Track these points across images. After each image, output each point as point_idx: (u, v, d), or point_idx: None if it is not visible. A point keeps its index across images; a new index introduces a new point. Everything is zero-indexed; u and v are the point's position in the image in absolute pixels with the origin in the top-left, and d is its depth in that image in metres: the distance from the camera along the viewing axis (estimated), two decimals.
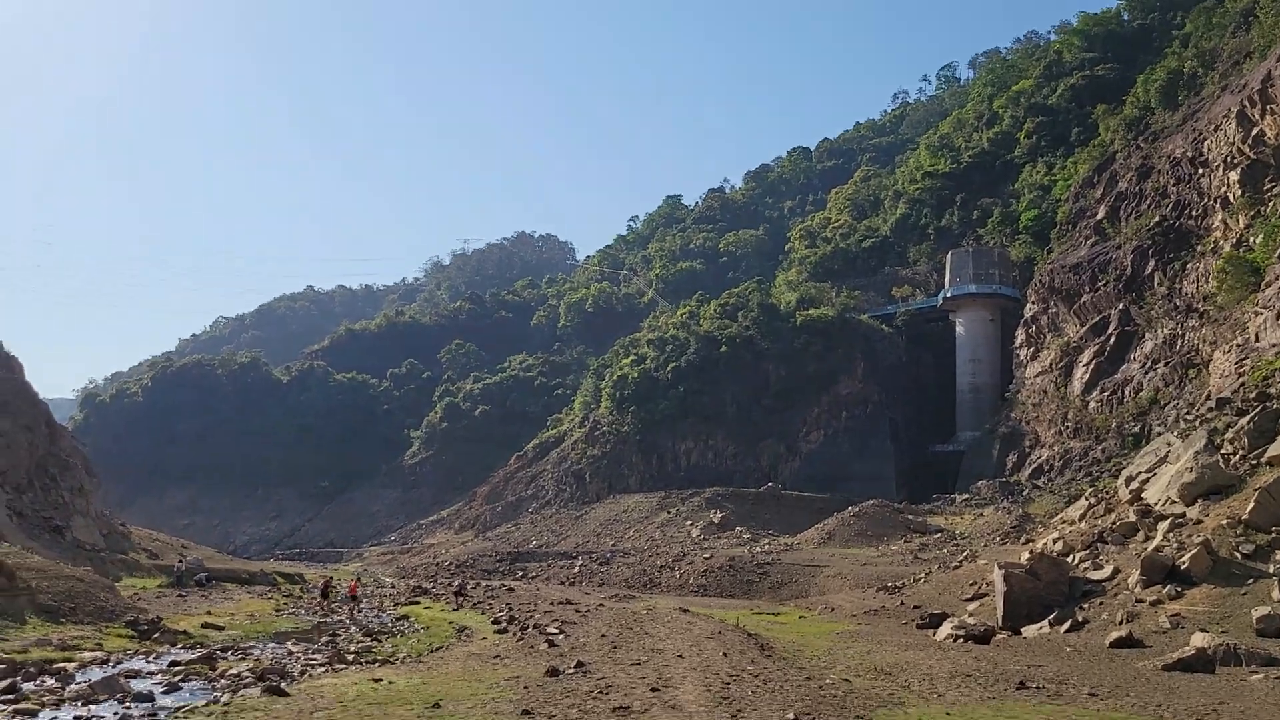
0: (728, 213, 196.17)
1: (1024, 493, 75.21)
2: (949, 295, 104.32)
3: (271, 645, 29.33)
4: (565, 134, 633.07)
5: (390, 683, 18.17)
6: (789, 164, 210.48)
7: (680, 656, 21.53)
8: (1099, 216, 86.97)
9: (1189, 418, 38.78)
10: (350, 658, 25.06)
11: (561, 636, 27.33)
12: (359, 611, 42.47)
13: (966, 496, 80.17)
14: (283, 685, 18.27)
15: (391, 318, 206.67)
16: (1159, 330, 74.01)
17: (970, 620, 28.82)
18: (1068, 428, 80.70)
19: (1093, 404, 78.45)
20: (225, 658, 24.86)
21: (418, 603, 47.27)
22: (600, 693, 16.56)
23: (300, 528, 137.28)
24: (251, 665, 22.95)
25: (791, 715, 14.32)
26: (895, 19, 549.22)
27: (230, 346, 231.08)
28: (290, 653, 26.92)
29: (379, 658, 25.16)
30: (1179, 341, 71.42)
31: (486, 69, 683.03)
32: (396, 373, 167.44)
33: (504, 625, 33.08)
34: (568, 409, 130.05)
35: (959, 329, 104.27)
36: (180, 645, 27.59)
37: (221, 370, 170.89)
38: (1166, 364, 71.74)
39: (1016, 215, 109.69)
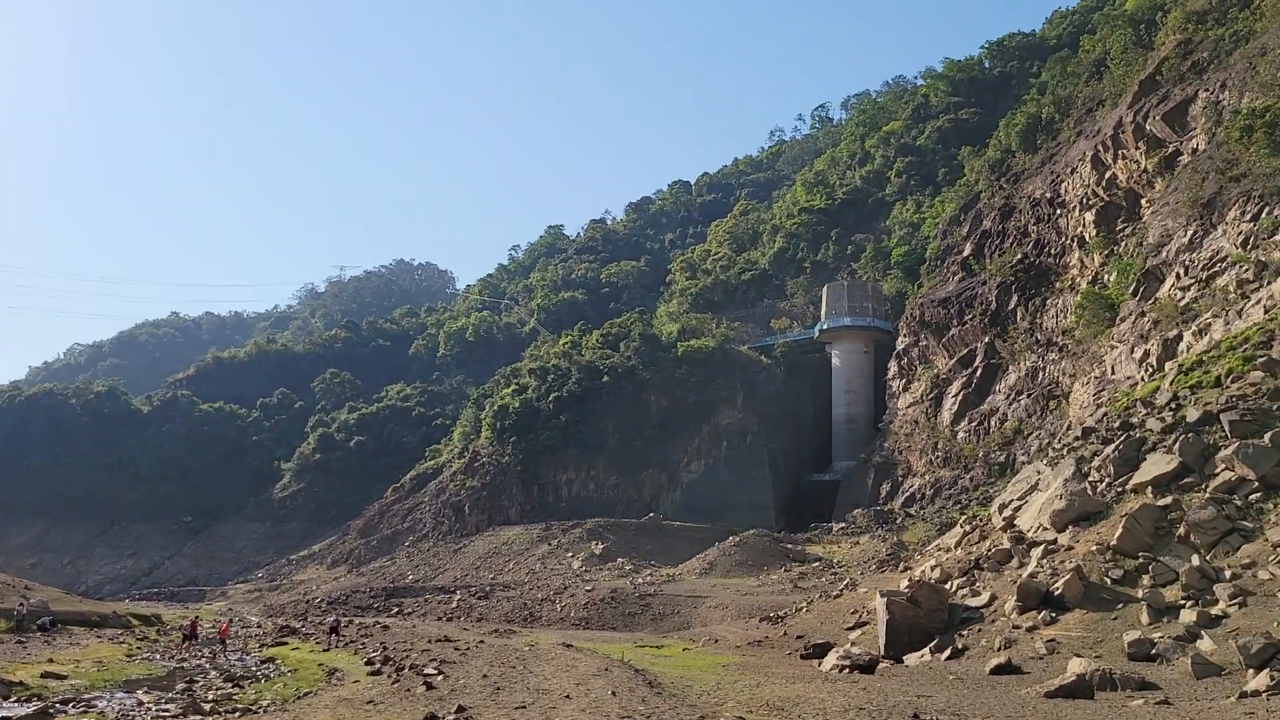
0: (609, 243, 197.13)
1: (897, 521, 77.09)
2: (825, 327, 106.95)
3: (120, 695, 27.15)
4: (445, 162, 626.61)
5: None
6: (670, 197, 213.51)
7: (567, 697, 20.73)
8: (965, 253, 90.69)
9: (1056, 447, 40.20)
10: (207, 707, 23.30)
11: (440, 678, 26.12)
12: (221, 654, 39.98)
13: (843, 525, 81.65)
14: None
15: (263, 345, 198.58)
16: (1022, 363, 77.31)
17: (854, 649, 28.84)
18: (938, 457, 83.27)
19: (961, 434, 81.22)
20: (64, 711, 22.79)
21: (285, 643, 44.93)
22: None
23: (160, 565, 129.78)
24: None
25: None
26: (771, 58, 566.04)
27: (86, 375, 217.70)
28: (140, 703, 24.95)
29: (240, 706, 23.51)
30: (1040, 374, 74.72)
31: (364, 94, 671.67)
32: (267, 402, 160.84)
33: (378, 666, 31.54)
34: (446, 440, 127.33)
35: (834, 360, 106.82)
36: (15, 698, 25.18)
37: (76, 400, 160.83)
38: (1029, 395, 74.91)
39: (888, 251, 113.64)
